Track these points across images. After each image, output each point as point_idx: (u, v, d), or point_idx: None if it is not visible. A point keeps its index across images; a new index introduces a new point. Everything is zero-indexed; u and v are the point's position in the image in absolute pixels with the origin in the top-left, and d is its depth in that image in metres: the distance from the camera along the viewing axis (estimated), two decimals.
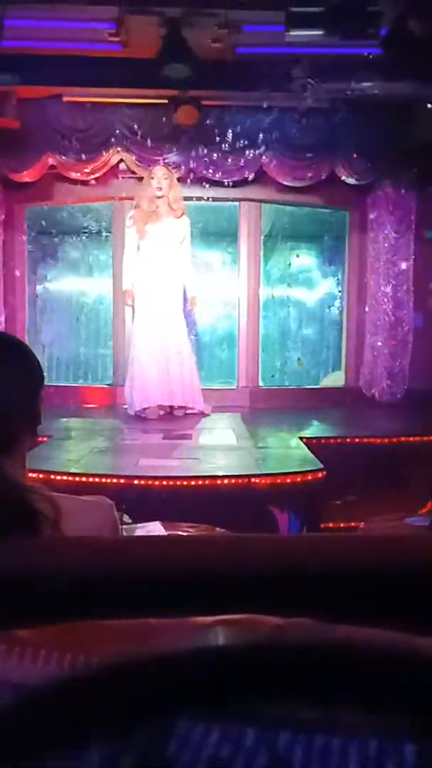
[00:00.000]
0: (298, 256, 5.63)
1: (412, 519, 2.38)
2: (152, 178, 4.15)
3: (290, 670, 0.20)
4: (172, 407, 4.23)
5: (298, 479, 2.95)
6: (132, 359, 4.27)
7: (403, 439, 3.78)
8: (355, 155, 4.59)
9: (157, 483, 2.83)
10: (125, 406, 4.40)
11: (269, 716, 0.20)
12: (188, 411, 4.25)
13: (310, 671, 0.20)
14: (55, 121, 4.48)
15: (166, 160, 4.47)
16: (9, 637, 0.28)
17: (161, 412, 4.20)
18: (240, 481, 2.90)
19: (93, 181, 4.70)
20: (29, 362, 0.84)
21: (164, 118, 4.44)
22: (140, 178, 4.67)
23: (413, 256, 4.86)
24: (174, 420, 4.15)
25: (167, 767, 0.19)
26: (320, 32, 2.98)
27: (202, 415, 4.23)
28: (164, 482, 2.84)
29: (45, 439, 3.41)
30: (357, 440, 3.75)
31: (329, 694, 0.20)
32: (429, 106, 4.01)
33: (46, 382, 0.88)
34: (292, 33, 3.00)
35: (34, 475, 2.43)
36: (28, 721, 0.20)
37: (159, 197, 4.12)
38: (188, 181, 4.68)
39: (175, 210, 4.16)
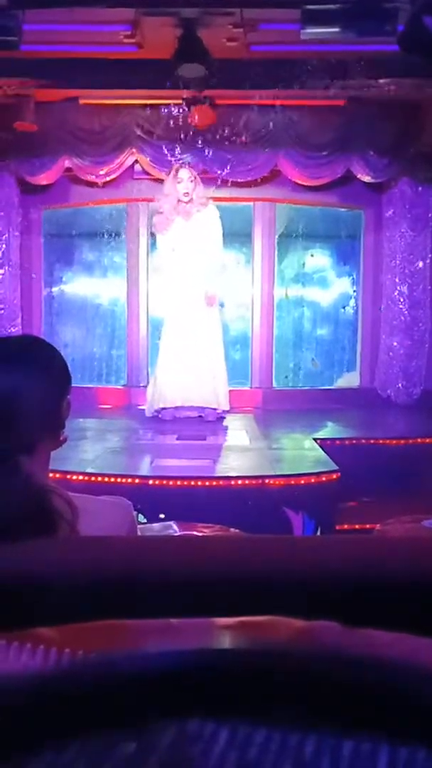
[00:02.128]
0: (312, 255, 5.60)
1: (429, 521, 2.35)
2: (178, 182, 4.04)
3: (300, 677, 0.20)
4: (188, 408, 4.19)
5: (312, 480, 2.94)
6: (158, 360, 4.23)
7: (419, 440, 3.74)
8: (371, 153, 4.55)
9: (171, 483, 2.84)
10: (142, 407, 4.41)
11: (283, 719, 0.20)
12: (203, 415, 4.19)
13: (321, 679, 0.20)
14: (71, 124, 4.52)
15: (181, 161, 4.47)
16: (33, 635, 0.28)
17: (177, 415, 4.17)
18: (254, 482, 2.90)
19: (108, 183, 4.73)
20: (54, 365, 0.85)
21: (179, 119, 4.45)
22: (155, 179, 4.68)
23: (430, 255, 4.80)
24: (188, 421, 4.15)
25: None
26: (336, 29, 2.96)
27: (218, 418, 4.21)
28: (178, 483, 2.84)
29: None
30: (372, 441, 3.72)
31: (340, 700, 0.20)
32: None
33: None
34: (308, 30, 2.98)
35: (51, 474, 2.45)
36: (45, 715, 0.20)
37: (186, 202, 4.05)
38: (203, 181, 4.67)
39: (200, 205, 4.08)
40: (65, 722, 0.20)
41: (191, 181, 4.06)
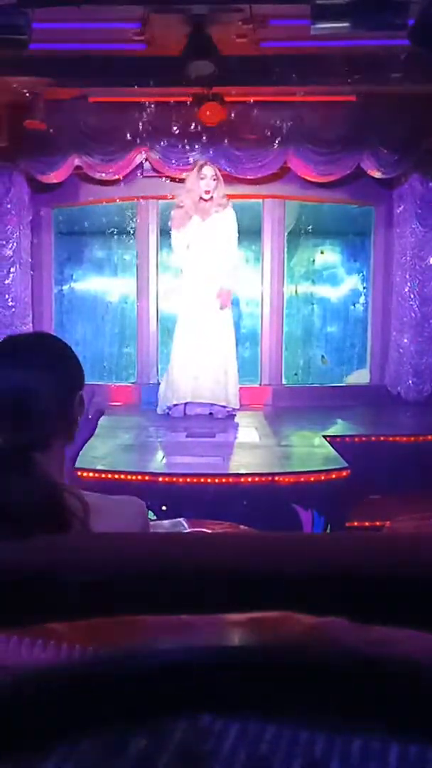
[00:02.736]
0: (322, 252, 5.57)
1: None
2: (201, 178, 4.00)
3: (308, 673, 0.20)
4: (199, 405, 4.19)
5: (322, 478, 2.93)
6: (171, 358, 4.24)
7: (429, 437, 3.71)
8: (382, 149, 4.51)
9: (181, 480, 2.85)
10: (153, 404, 4.42)
11: (291, 715, 0.20)
12: (214, 412, 4.19)
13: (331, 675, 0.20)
14: (80, 122, 4.53)
15: (190, 158, 4.46)
16: (44, 631, 0.28)
17: (188, 412, 4.18)
18: (263, 479, 2.90)
19: (118, 181, 4.74)
20: (67, 361, 0.85)
21: (188, 116, 4.44)
22: (164, 177, 4.69)
23: None
24: (198, 418, 4.16)
25: (205, 764, 0.19)
26: (346, 24, 2.94)
27: (228, 415, 4.21)
28: (188, 480, 2.85)
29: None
30: (382, 438, 3.70)
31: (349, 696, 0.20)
32: None
33: None
34: (318, 26, 2.96)
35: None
36: (56, 710, 0.20)
37: (207, 200, 4.03)
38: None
39: (219, 205, 4.06)
40: (76, 718, 0.20)
41: (214, 180, 4.02)
